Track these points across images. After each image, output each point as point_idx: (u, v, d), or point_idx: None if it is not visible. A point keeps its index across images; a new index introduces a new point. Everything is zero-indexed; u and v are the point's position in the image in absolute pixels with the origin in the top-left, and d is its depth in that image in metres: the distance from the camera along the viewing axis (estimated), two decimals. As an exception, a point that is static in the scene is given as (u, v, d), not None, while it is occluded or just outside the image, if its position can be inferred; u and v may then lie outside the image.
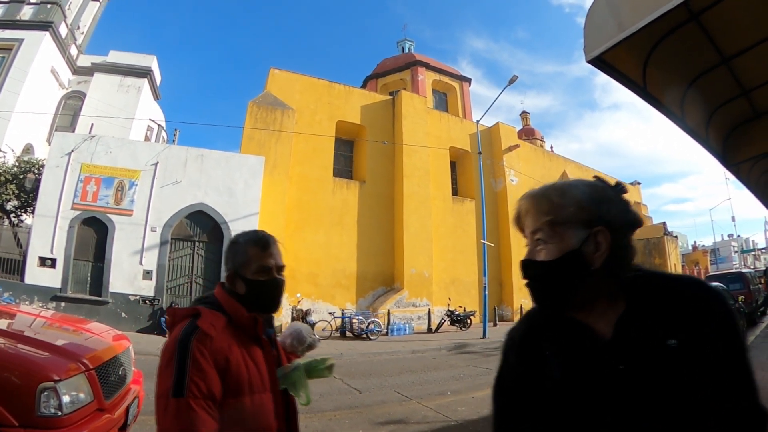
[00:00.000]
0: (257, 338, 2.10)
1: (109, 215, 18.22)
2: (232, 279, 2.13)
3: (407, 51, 44.30)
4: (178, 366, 1.79)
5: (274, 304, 2.19)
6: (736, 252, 73.75)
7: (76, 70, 32.47)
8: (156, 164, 19.17)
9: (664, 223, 46.45)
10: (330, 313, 21.32)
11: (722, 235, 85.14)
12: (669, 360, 1.18)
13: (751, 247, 79.81)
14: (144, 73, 33.83)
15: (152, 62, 34.71)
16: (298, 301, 21.45)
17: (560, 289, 1.34)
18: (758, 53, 6.69)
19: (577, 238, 1.32)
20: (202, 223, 19.53)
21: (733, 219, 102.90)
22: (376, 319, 21.59)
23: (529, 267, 1.38)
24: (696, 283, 1.32)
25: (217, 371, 1.85)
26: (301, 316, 20.37)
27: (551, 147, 49.78)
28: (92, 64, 32.53)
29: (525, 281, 1.40)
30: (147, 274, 18.19)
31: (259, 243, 2.13)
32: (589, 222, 1.32)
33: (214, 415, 1.80)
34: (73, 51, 32.66)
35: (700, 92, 7.25)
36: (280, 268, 2.19)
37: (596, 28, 4.83)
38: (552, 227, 1.33)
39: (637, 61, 5.96)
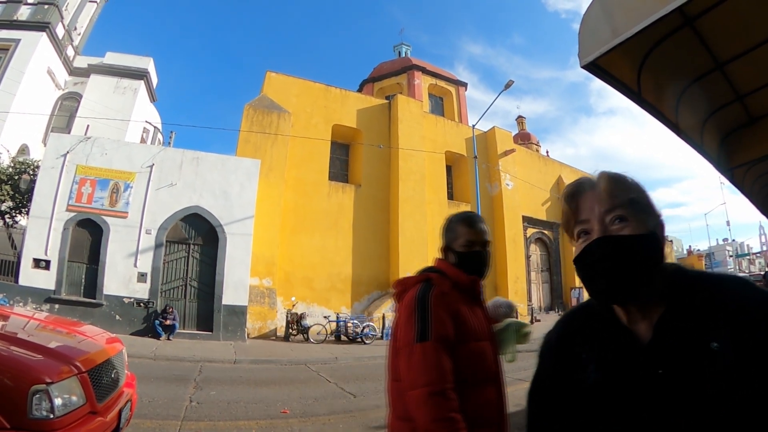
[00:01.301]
0: (475, 298, 2.53)
1: (104, 217, 18.14)
2: (446, 252, 2.63)
3: (404, 55, 44.41)
4: (421, 317, 2.21)
5: (480, 272, 2.55)
6: (731, 256, 73.90)
7: (73, 71, 32.47)
8: (151, 166, 19.11)
9: (660, 228, 46.49)
10: (325, 317, 21.32)
11: (717, 239, 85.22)
12: (711, 364, 1.12)
13: (746, 252, 79.81)
14: (140, 74, 33.84)
15: (149, 64, 34.74)
16: (293, 305, 21.37)
17: (643, 270, 1.25)
18: (753, 58, 6.71)
19: (652, 223, 1.31)
20: (197, 225, 19.46)
21: (728, 223, 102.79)
22: (371, 323, 21.59)
23: (610, 244, 1.26)
24: (739, 280, 1.29)
25: (451, 321, 2.25)
26: (296, 319, 20.31)
27: (547, 152, 49.70)
28: (89, 65, 32.54)
29: (591, 267, 1.30)
30: (142, 277, 18.10)
31: (467, 221, 2.57)
32: (653, 209, 1.33)
33: (451, 356, 2.16)
34: (70, 52, 32.67)
35: (695, 97, 7.28)
36: (485, 243, 2.57)
37: (591, 34, 4.83)
38: (633, 205, 1.30)
39: (632, 67, 5.98)
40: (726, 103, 7.83)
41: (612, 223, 1.28)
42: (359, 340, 20.36)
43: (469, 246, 2.53)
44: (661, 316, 1.25)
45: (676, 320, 1.22)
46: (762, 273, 40.90)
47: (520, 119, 56.02)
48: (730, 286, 1.24)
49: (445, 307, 2.25)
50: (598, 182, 1.34)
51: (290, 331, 20.15)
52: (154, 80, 36.23)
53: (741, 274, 26.72)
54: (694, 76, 6.91)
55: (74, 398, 3.89)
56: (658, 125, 7.24)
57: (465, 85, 42.16)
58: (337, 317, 21.60)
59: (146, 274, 18.18)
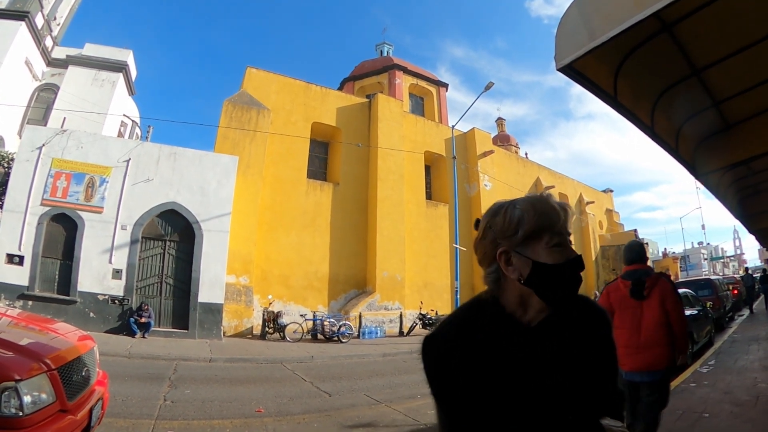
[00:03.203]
0: None
1: (79, 212, 17.89)
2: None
3: (386, 54, 44.59)
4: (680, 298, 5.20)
5: None
6: (706, 259, 74.99)
7: (51, 62, 32.11)
8: (128, 161, 18.89)
9: (636, 231, 47.43)
10: (301, 316, 21.16)
11: (692, 242, 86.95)
12: (576, 346, 1.53)
13: (720, 255, 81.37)
14: (119, 67, 33.53)
15: (128, 57, 34.43)
16: (270, 303, 21.32)
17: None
18: (729, 65, 6.80)
19: None
20: (173, 222, 19.32)
21: (703, 227, 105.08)
22: (348, 322, 21.60)
23: (582, 262, 1.57)
24: (587, 299, 1.69)
25: None
26: (272, 318, 20.26)
27: (526, 154, 50.05)
28: (67, 56, 32.17)
29: (573, 274, 1.56)
30: (117, 274, 17.89)
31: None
32: None
33: None
34: (49, 42, 32.33)
35: (671, 103, 7.35)
36: None
37: (567, 37, 4.83)
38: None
39: (609, 71, 5.97)
40: (702, 109, 7.95)
41: (569, 244, 1.59)
42: (336, 338, 20.35)
43: None
44: (549, 314, 1.56)
45: (561, 320, 1.56)
46: (736, 275, 41.93)
47: (499, 121, 56.34)
48: (582, 300, 1.66)
49: None
50: (566, 208, 1.60)
51: (267, 329, 20.12)
52: (133, 73, 35.94)
53: (714, 277, 27.99)
54: (671, 81, 7.01)
55: (44, 396, 3.85)
56: (637, 131, 7.30)
57: (446, 85, 42.38)
58: (314, 316, 21.52)
59: (121, 270, 17.96)
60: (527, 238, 1.53)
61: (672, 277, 53.70)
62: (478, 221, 1.69)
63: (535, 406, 1.45)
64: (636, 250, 6.03)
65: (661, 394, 5.32)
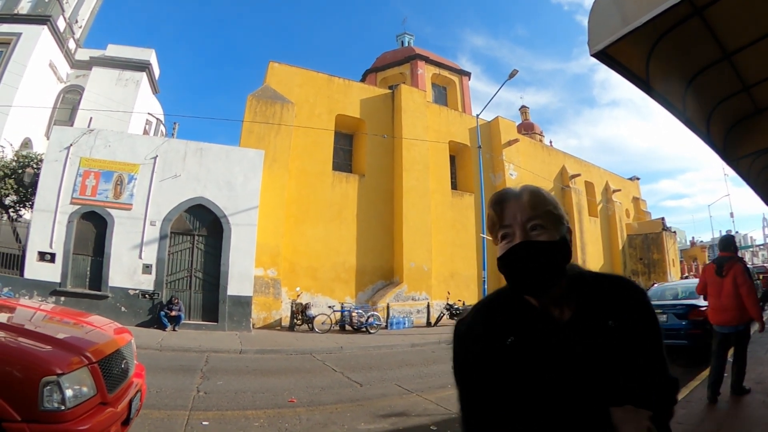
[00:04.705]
0: None
1: (108, 209, 18.12)
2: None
3: (407, 45, 44.37)
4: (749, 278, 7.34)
5: None
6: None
7: (74, 64, 32.38)
8: (155, 158, 19.08)
9: (663, 219, 46.45)
10: (329, 307, 21.29)
11: (720, 231, 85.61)
12: (610, 336, 1.48)
13: (749, 244, 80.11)
14: (142, 66, 33.72)
15: (151, 56, 34.62)
16: (298, 295, 21.40)
17: (555, 270, 1.52)
18: (760, 49, 6.69)
19: (563, 230, 1.56)
20: (201, 216, 19.48)
21: (731, 215, 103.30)
22: (376, 313, 21.55)
23: (530, 247, 1.50)
24: (622, 279, 1.65)
25: None
26: (301, 309, 20.33)
27: (550, 142, 49.80)
28: (90, 57, 32.42)
29: (513, 265, 1.53)
30: (146, 268, 18.11)
31: None
32: (563, 220, 1.58)
33: None
34: (71, 45, 32.57)
35: (702, 87, 7.26)
36: None
37: (601, 23, 4.86)
38: (549, 216, 1.54)
39: (641, 56, 5.93)
40: (733, 93, 7.86)
41: (531, 230, 1.52)
42: (364, 329, 20.33)
43: None
44: (578, 301, 1.56)
45: (585, 305, 1.54)
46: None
47: (523, 109, 56.03)
48: (617, 282, 1.62)
49: None
50: (522, 194, 1.58)
51: (295, 321, 20.21)
52: (156, 72, 36.11)
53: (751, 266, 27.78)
54: (702, 65, 6.92)
55: (85, 389, 3.84)
56: (662, 117, 7.28)
57: (468, 74, 42.13)
58: (342, 307, 21.60)
59: (151, 265, 18.19)
60: (493, 234, 1.62)
61: (700, 266, 53.32)
62: None
63: (544, 395, 1.44)
64: (724, 241, 8.41)
65: (740, 343, 7.51)
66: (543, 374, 1.45)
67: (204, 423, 6.99)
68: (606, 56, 5.14)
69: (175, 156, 19.51)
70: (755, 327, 7.54)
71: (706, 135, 8.41)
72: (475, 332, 1.63)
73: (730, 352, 7.66)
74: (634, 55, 5.83)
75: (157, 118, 35.62)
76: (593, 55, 4.97)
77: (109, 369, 4.31)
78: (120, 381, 4.52)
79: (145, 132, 33.82)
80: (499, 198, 1.59)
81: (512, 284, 1.57)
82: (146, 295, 17.84)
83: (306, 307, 20.53)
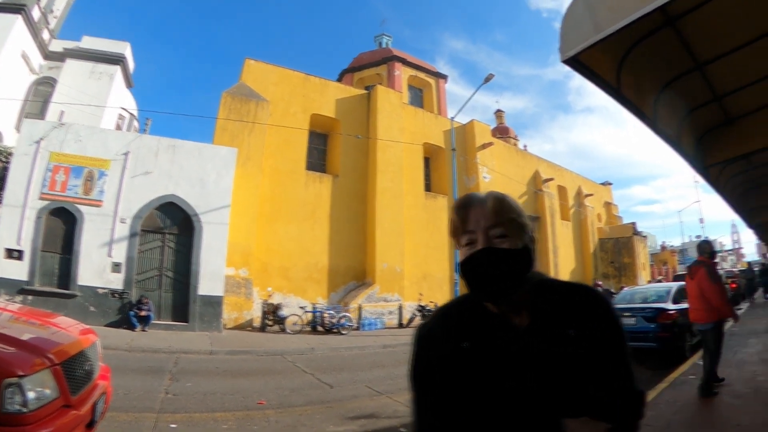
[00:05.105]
0: None
1: (78, 206, 17.85)
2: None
3: (384, 46, 44.45)
4: (714, 281, 8.03)
5: None
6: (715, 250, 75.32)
7: (48, 56, 31.90)
8: (127, 154, 18.85)
9: (634, 224, 47.43)
10: (301, 308, 21.27)
11: (690, 236, 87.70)
12: (570, 345, 1.46)
13: (719, 249, 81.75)
14: (117, 60, 33.30)
15: (126, 49, 34.18)
16: (269, 295, 21.37)
17: (516, 277, 1.50)
18: (732, 60, 6.84)
19: (526, 238, 1.55)
20: (172, 214, 19.29)
21: (701, 221, 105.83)
22: (348, 314, 21.70)
23: (492, 254, 1.49)
24: (585, 287, 1.63)
25: None
26: (272, 310, 20.33)
27: (525, 146, 50.13)
28: (64, 49, 31.92)
29: (474, 271, 1.52)
30: (116, 267, 17.87)
31: None
32: (526, 228, 1.57)
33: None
34: (46, 35, 32.07)
35: (674, 96, 7.39)
36: None
37: (573, 29, 4.82)
38: (512, 224, 1.53)
39: (612, 63, 5.97)
40: (704, 103, 8.03)
41: (494, 237, 1.51)
42: (335, 330, 20.44)
43: None
44: (534, 308, 1.54)
45: (543, 312, 1.53)
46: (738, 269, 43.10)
47: (498, 113, 56.28)
48: (579, 290, 1.60)
49: None
50: (487, 200, 1.57)
51: (266, 321, 20.21)
52: (131, 66, 35.67)
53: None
54: (674, 75, 7.04)
55: (47, 391, 3.80)
56: (636, 124, 7.39)
57: (445, 77, 42.44)
58: (314, 308, 21.60)
59: (121, 264, 17.95)
60: (456, 239, 1.60)
61: (670, 270, 54.29)
62: None
63: (500, 403, 1.45)
64: (699, 247, 9.25)
65: (708, 339, 8.06)
66: (498, 381, 1.45)
67: (172, 425, 6.98)
68: (577, 63, 5.15)
69: (147, 152, 19.29)
70: (729, 324, 8.39)
71: (677, 143, 8.53)
72: (435, 337, 1.64)
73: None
74: (605, 63, 5.87)
75: (131, 113, 35.29)
76: (564, 61, 4.96)
77: (73, 371, 4.26)
78: (84, 383, 4.47)
79: (118, 127, 33.39)
80: (464, 203, 1.59)
81: (473, 290, 1.55)
82: (115, 295, 17.61)
83: (277, 307, 20.53)
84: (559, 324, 1.50)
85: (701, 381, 7.87)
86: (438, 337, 1.62)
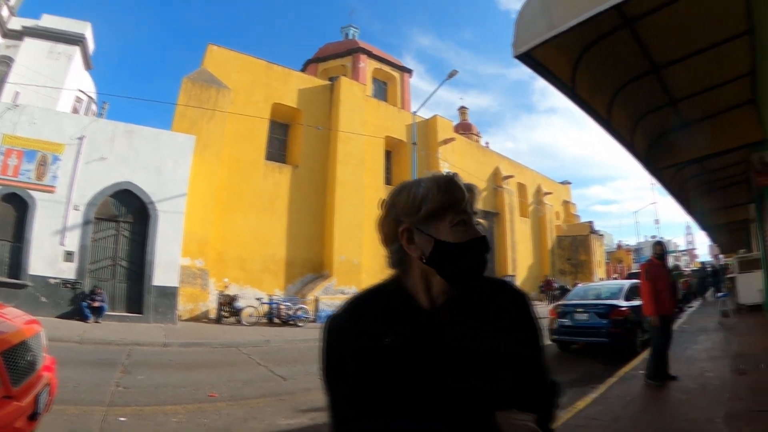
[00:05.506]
0: None
1: (30, 191, 17.33)
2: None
3: (351, 37, 44.47)
4: (645, 279, 8.92)
5: None
6: (667, 251, 77.25)
7: (6, 33, 31.09)
8: (82, 138, 18.34)
9: (591, 223, 48.62)
10: (257, 299, 21.24)
11: (645, 236, 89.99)
12: (493, 340, 1.48)
13: (673, 249, 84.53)
14: (77, 40, 32.59)
15: (86, 29, 33.45)
16: (226, 287, 21.25)
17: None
18: (689, 65, 7.04)
19: None
20: (127, 202, 18.92)
21: (656, 222, 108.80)
22: (304, 306, 21.71)
23: (484, 242, 1.50)
24: (507, 283, 1.67)
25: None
26: (228, 301, 20.23)
27: (487, 143, 50.55)
28: (23, 27, 31.10)
29: (475, 255, 1.50)
30: (68, 256, 17.42)
31: None
32: None
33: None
34: (5, 12, 31.29)
35: (629, 98, 7.59)
36: None
37: (527, 25, 4.99)
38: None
39: (568, 62, 6.20)
40: (660, 106, 8.28)
41: (474, 223, 1.51)
42: (292, 322, 20.47)
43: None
44: (456, 299, 1.52)
45: (467, 304, 1.52)
46: (691, 269, 45.10)
47: (462, 110, 56.73)
48: (502, 286, 1.63)
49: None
50: (472, 188, 1.55)
51: (222, 313, 20.13)
52: (91, 47, 34.95)
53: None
54: (631, 76, 7.22)
55: (-14, 381, 3.71)
56: (597, 126, 7.49)
57: (410, 72, 42.81)
58: (270, 299, 21.52)
59: (73, 253, 17.52)
60: (431, 216, 1.48)
61: (625, 268, 56.06)
62: (383, 201, 1.61)
63: (425, 395, 1.41)
64: (651, 247, 9.93)
65: (653, 331, 8.97)
66: (425, 376, 1.42)
67: (121, 419, 6.92)
68: (530, 59, 5.30)
69: (103, 137, 18.85)
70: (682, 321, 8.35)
71: (630, 144, 8.84)
72: (348, 330, 1.55)
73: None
74: (561, 61, 6.04)
75: (89, 96, 34.63)
76: (517, 57, 5.14)
77: (14, 361, 4.16)
78: (26, 374, 4.39)
79: (75, 110, 32.65)
80: (465, 185, 1.54)
81: (462, 270, 1.49)
82: (68, 285, 17.19)
83: (233, 298, 20.45)
84: (483, 318, 1.51)
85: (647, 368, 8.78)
86: (352, 330, 1.54)
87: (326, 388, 1.54)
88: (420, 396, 1.40)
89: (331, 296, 24.61)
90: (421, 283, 1.52)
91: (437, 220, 1.48)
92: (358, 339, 1.50)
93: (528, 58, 5.23)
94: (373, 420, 1.43)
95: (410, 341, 1.45)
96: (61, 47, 31.71)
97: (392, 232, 1.54)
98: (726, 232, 24.50)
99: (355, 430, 1.46)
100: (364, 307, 1.60)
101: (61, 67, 30.99)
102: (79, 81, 33.42)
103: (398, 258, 1.55)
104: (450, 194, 1.48)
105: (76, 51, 32.39)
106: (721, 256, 43.74)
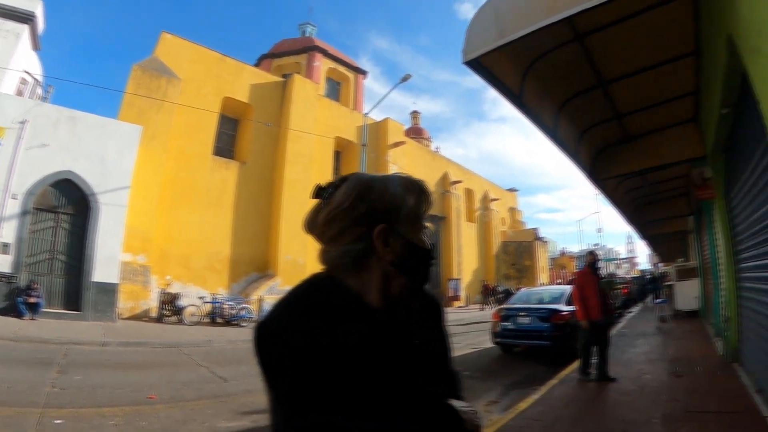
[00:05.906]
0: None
1: (-34, 179, 16.60)
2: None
3: (308, 35, 44.51)
4: (576, 288, 9.78)
5: None
6: (599, 260, 79.27)
7: (-48, 9, 30.09)
8: (24, 123, 17.64)
9: (536, 229, 49.90)
10: (200, 298, 20.96)
11: (588, 243, 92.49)
12: (431, 336, 1.55)
13: (614, 257, 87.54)
14: (26, 18, 31.54)
15: (37, 7, 32.42)
16: (168, 284, 20.99)
17: None
18: (635, 82, 7.46)
19: None
20: (68, 193, 18.32)
21: (599, 230, 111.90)
22: (248, 306, 21.62)
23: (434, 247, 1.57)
24: (431, 293, 1.68)
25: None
26: (170, 300, 19.94)
27: (437, 148, 51.29)
28: (-30, 2, 30.18)
29: (433, 258, 1.53)
30: (4, 248, 16.66)
31: None
32: None
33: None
34: (-50, -14, 30.23)
35: (575, 110, 7.88)
36: None
37: (478, 33, 5.15)
38: None
39: (518, 71, 6.39)
40: (605, 120, 8.65)
41: None
42: (235, 322, 20.35)
43: None
44: (404, 300, 1.49)
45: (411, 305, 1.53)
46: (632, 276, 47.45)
47: (414, 114, 57.64)
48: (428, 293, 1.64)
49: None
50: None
51: (164, 311, 19.84)
52: (41, 26, 34.02)
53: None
54: (578, 89, 7.42)
55: None
56: (545, 137, 7.65)
57: (365, 73, 43.12)
58: (213, 298, 21.31)
59: (9, 245, 16.76)
60: (411, 219, 1.43)
61: (568, 274, 58.23)
62: (321, 187, 1.46)
63: (395, 393, 1.38)
64: (585, 257, 10.31)
65: (581, 333, 9.66)
66: (394, 373, 1.38)
67: (56, 421, 6.72)
68: (479, 66, 5.44)
69: (46, 122, 18.22)
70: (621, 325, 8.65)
71: (575, 154, 9.16)
72: (302, 330, 1.38)
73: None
74: (510, 70, 6.22)
75: (35, 78, 33.65)
76: (466, 63, 5.27)
77: None
78: None
79: (19, 92, 31.74)
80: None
81: (424, 281, 1.51)
82: (3, 279, 16.48)
83: (176, 297, 20.20)
84: (424, 319, 1.56)
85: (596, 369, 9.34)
86: (299, 330, 1.36)
87: (275, 396, 1.38)
88: (390, 393, 1.36)
89: (275, 296, 24.29)
90: (378, 285, 1.42)
91: (410, 224, 1.43)
92: (307, 338, 1.36)
93: (477, 64, 5.40)
94: (340, 419, 1.34)
95: (373, 339, 1.37)
96: (10, 24, 30.58)
97: (354, 229, 1.39)
98: (665, 242, 25.76)
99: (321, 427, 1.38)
100: (306, 304, 1.43)
101: (8, 46, 29.91)
102: (27, 62, 32.42)
103: (356, 257, 1.38)
104: (426, 201, 1.48)
105: (24, 30, 31.30)
106: (660, 264, 45.19)
